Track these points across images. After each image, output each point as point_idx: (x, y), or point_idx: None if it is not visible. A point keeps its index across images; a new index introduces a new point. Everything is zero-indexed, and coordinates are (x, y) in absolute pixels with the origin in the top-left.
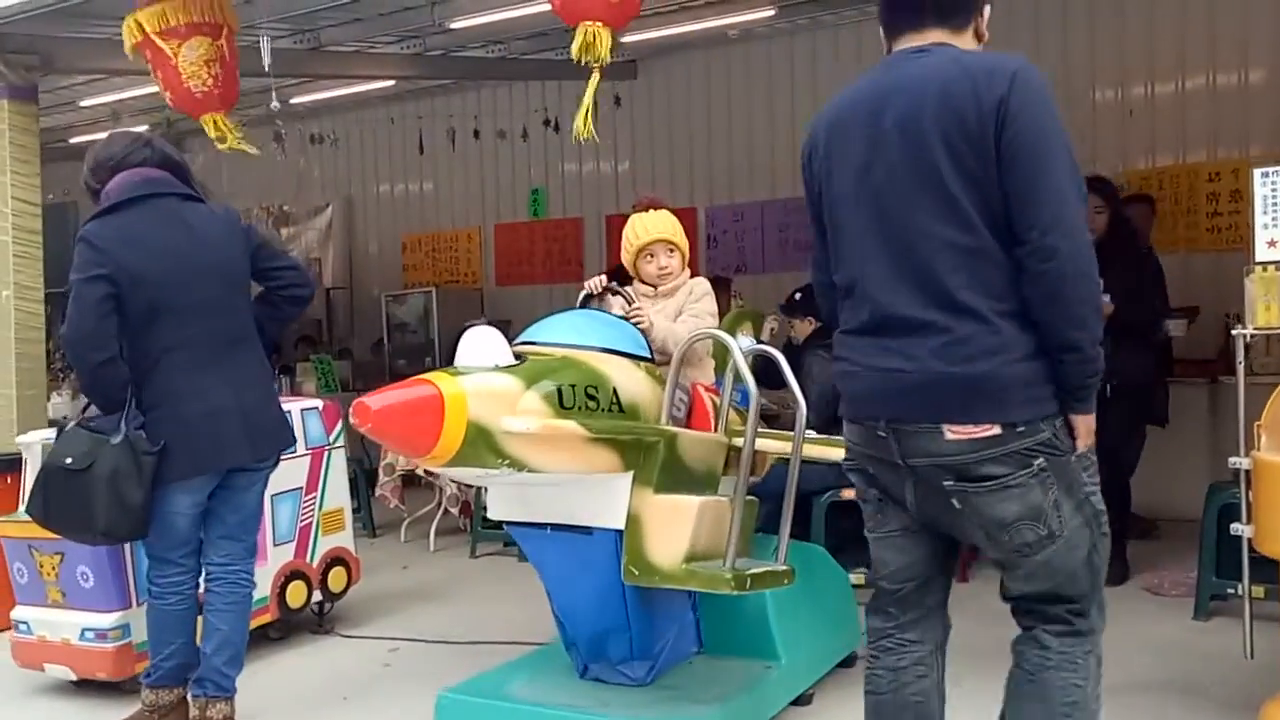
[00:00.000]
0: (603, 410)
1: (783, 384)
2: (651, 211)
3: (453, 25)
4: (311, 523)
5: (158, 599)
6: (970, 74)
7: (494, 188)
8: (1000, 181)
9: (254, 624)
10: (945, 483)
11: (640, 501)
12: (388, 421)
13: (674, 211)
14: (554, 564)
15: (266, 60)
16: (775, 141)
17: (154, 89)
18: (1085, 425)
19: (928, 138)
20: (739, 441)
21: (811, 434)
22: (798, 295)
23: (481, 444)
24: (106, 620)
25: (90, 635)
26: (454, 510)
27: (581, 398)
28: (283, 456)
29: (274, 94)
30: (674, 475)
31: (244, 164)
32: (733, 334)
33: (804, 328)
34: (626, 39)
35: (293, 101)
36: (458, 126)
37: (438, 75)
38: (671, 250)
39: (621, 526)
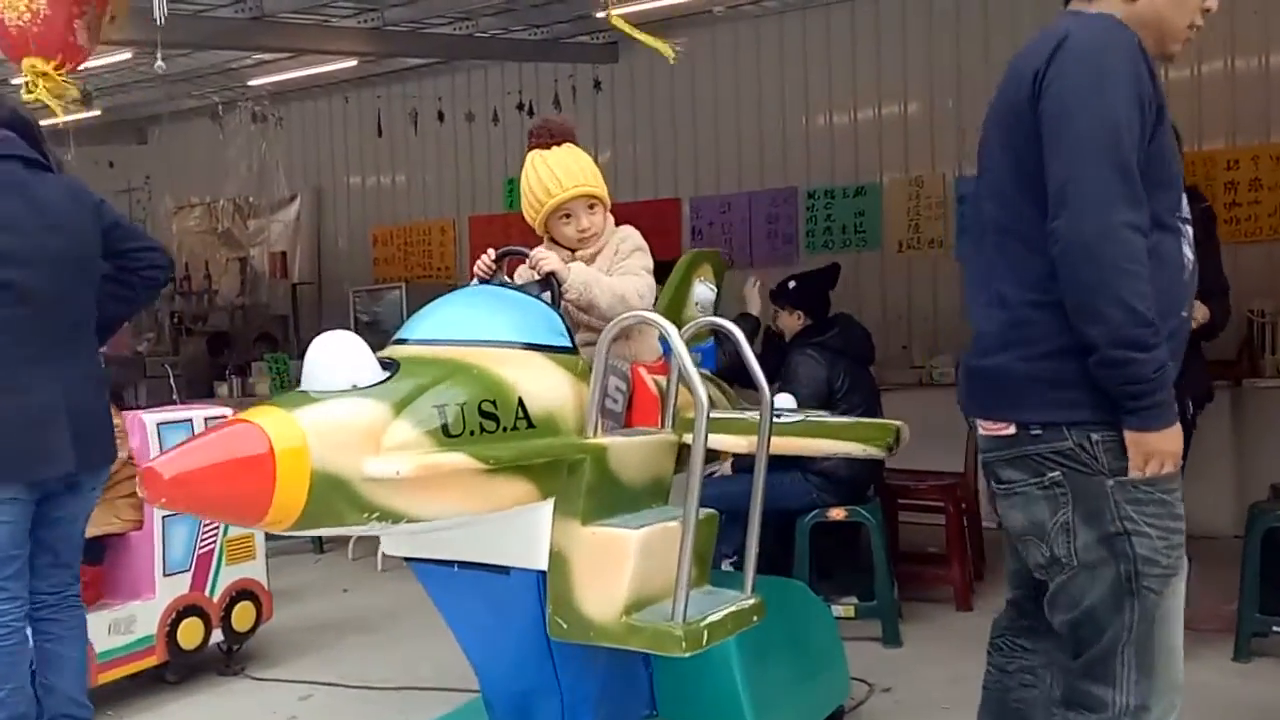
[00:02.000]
0: (505, 430)
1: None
2: (557, 150)
3: None
4: (213, 550)
5: None
6: (1033, 47)
7: (468, 178)
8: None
9: (138, 667)
10: (990, 484)
11: (565, 536)
12: (192, 491)
13: (651, 202)
14: (463, 609)
15: (159, 14)
16: (764, 128)
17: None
18: (1134, 445)
19: (992, 119)
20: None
21: (788, 405)
22: (791, 284)
23: (336, 499)
24: None
25: None
26: None
27: (474, 419)
28: None
29: (159, 54)
30: (607, 497)
31: (206, 152)
32: (687, 281)
33: (791, 322)
34: (598, 14)
35: (253, 83)
36: (426, 110)
37: (400, 52)
38: (593, 206)
39: (543, 567)
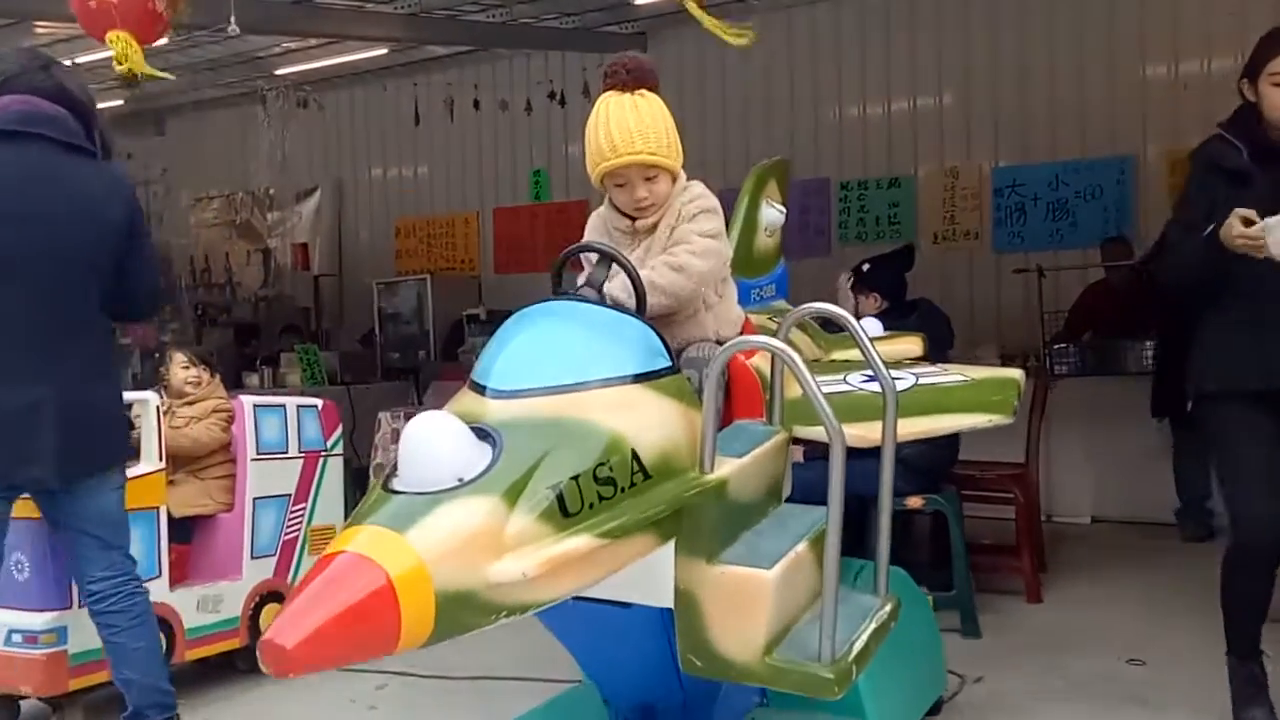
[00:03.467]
0: (622, 490)
1: None
2: (629, 100)
3: None
4: (297, 538)
5: None
6: None
7: (493, 169)
8: None
9: (222, 647)
10: None
11: (691, 576)
12: (318, 652)
13: None
14: (582, 637)
15: None
16: (795, 119)
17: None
18: None
19: None
20: (804, 431)
21: (875, 332)
22: (865, 266)
23: (463, 612)
24: (39, 621)
25: (18, 639)
26: None
27: (590, 490)
28: (269, 456)
29: (233, 18)
30: (729, 525)
31: (225, 144)
32: (755, 204)
33: (869, 306)
34: (638, 0)
35: (279, 73)
36: (456, 98)
37: (435, 39)
38: (653, 177)
39: (668, 605)
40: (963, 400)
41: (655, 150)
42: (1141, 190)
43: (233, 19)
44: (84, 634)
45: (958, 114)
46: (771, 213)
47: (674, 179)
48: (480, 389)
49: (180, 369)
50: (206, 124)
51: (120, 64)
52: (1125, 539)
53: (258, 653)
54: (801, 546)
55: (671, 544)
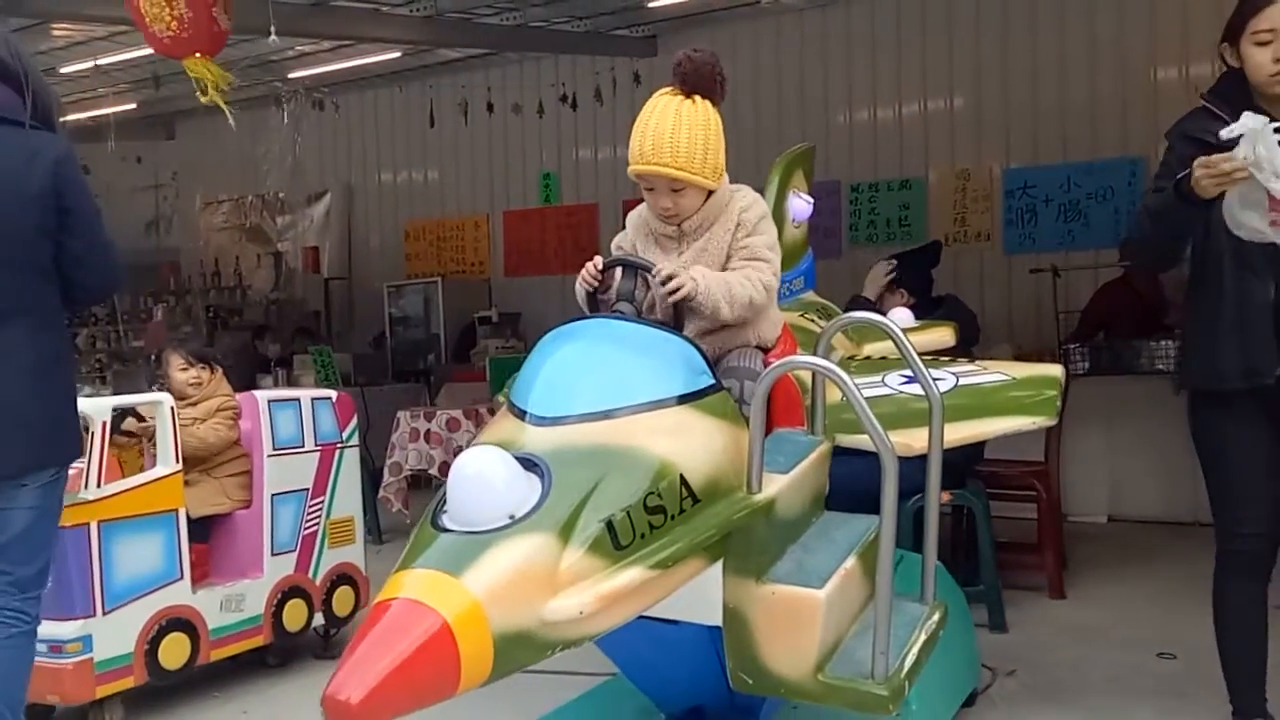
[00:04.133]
0: (672, 518)
1: None
2: (677, 105)
3: None
4: (317, 532)
5: None
6: None
7: (503, 172)
8: None
9: (246, 646)
10: None
11: (740, 595)
12: (384, 703)
13: None
14: (626, 648)
15: None
16: (806, 122)
17: (139, 52)
18: None
19: None
20: (847, 440)
21: (907, 323)
22: (893, 262)
23: (520, 651)
24: (66, 630)
25: (43, 648)
26: None
27: (641, 521)
28: (285, 451)
29: (273, 28)
30: (776, 542)
31: (235, 148)
32: (783, 196)
33: (896, 300)
34: (649, 3)
35: (291, 76)
36: (469, 101)
37: (448, 42)
38: (679, 189)
39: (717, 623)
40: (1005, 403)
41: (683, 165)
42: None
43: (272, 29)
44: (110, 640)
45: (969, 116)
46: (799, 203)
47: (708, 193)
48: (520, 414)
49: (179, 371)
50: (217, 128)
51: (214, 87)
52: (1144, 538)
53: (323, 709)
54: (850, 562)
55: (719, 567)
